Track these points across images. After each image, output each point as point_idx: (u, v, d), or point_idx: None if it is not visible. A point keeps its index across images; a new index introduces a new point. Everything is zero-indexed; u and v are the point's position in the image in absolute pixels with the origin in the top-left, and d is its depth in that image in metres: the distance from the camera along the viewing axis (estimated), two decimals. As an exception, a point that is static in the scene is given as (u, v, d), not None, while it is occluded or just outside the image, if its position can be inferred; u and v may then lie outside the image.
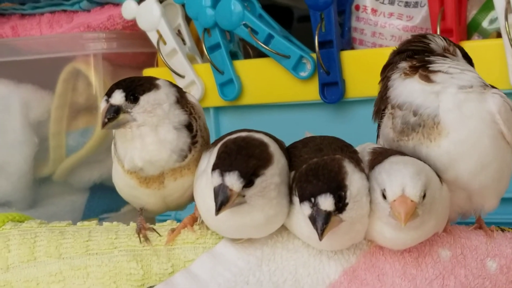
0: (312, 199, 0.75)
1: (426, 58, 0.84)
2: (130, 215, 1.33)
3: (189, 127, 0.87)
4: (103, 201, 1.37)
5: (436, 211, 0.78)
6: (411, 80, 0.83)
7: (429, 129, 0.80)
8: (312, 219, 0.75)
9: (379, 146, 0.86)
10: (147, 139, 0.85)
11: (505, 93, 0.85)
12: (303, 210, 0.76)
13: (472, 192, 0.83)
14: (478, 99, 0.80)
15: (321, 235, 0.74)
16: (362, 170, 0.79)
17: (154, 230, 0.88)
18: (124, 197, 0.93)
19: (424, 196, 0.75)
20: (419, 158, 0.80)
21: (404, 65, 0.84)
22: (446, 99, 0.80)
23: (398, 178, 0.75)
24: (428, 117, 0.80)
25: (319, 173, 0.76)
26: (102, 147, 1.34)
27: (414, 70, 0.83)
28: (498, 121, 0.80)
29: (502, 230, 0.86)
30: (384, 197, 0.76)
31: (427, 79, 0.82)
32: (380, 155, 0.81)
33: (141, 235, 0.86)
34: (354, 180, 0.77)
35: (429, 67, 0.82)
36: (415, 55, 0.85)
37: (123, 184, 0.90)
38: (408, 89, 0.82)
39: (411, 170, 0.76)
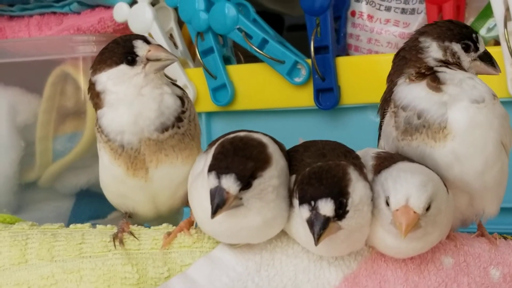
0: (312, 203, 0.73)
1: (434, 68, 0.83)
2: (117, 221, 1.30)
3: (181, 99, 0.88)
4: (89, 208, 1.34)
5: (441, 223, 0.77)
6: (417, 85, 0.82)
7: (434, 132, 0.80)
8: (310, 223, 0.73)
9: (383, 150, 0.84)
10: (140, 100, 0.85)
11: (503, 102, 0.86)
12: (301, 213, 0.74)
13: (474, 194, 0.82)
14: (489, 110, 0.80)
15: (317, 240, 0.72)
16: (365, 178, 0.78)
17: (131, 234, 0.85)
18: (113, 201, 0.92)
19: (429, 208, 0.74)
20: (422, 157, 0.80)
21: (410, 71, 0.84)
22: (457, 111, 0.80)
23: (404, 187, 0.74)
24: (434, 122, 0.80)
25: (322, 177, 0.74)
26: (89, 152, 1.31)
27: (420, 76, 0.82)
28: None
29: (505, 238, 0.84)
30: (388, 204, 0.75)
31: (436, 89, 0.81)
32: (386, 160, 0.80)
33: (116, 239, 0.85)
34: (357, 188, 0.75)
35: (438, 77, 0.82)
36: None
37: (110, 180, 0.88)
38: (413, 93, 0.82)
39: (418, 180, 0.74)
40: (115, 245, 0.84)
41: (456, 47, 0.85)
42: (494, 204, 0.84)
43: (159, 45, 0.88)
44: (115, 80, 0.86)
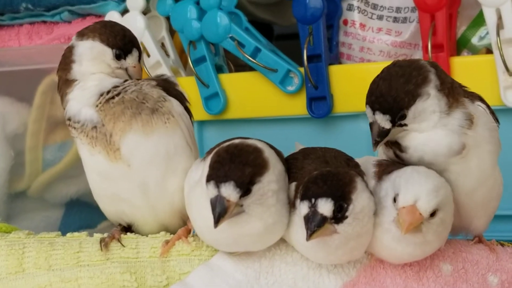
0: (312, 200, 0.73)
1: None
2: (106, 231, 1.30)
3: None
4: (79, 217, 1.33)
5: (441, 234, 0.77)
6: None
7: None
8: (306, 218, 0.73)
9: (383, 159, 0.84)
10: None
11: (497, 110, 0.86)
12: (300, 209, 0.74)
13: (463, 208, 0.82)
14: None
15: (309, 235, 0.72)
16: (371, 191, 0.78)
17: (118, 241, 0.85)
18: (108, 211, 0.90)
19: (434, 214, 0.74)
20: None
21: None
22: None
23: (416, 188, 0.74)
24: None
25: (328, 179, 0.74)
26: (79, 161, 1.30)
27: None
28: None
29: (502, 245, 0.85)
30: (395, 201, 0.75)
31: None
32: (388, 167, 0.80)
33: (102, 242, 0.84)
34: (362, 198, 0.75)
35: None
36: None
37: (98, 181, 0.88)
38: None
39: (431, 185, 0.75)
40: (101, 248, 0.84)
41: None
42: (481, 220, 0.85)
43: (141, 68, 0.92)
44: (95, 55, 0.88)
